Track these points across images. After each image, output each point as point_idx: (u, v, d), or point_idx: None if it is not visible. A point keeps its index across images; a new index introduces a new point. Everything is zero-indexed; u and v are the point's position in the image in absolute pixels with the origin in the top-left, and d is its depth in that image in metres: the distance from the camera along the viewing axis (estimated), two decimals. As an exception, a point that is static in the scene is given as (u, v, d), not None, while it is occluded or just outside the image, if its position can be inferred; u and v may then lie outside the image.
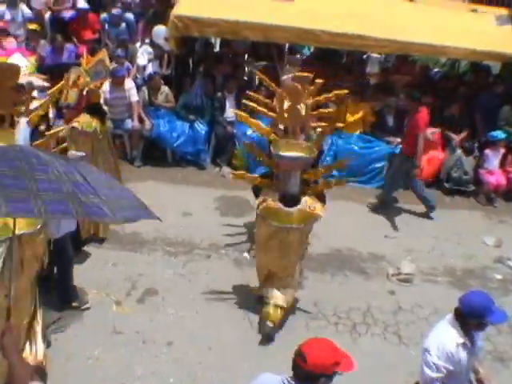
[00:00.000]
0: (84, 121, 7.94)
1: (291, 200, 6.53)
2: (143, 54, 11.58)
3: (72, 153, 6.77)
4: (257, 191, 7.09)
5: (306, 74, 6.63)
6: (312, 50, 12.82)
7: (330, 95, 6.77)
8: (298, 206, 6.52)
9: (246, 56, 12.11)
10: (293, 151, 6.43)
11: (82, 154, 6.87)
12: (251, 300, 7.34)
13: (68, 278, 6.86)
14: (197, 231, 8.69)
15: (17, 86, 5.56)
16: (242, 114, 7.14)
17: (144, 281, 7.56)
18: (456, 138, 10.64)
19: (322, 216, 6.59)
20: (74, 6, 12.26)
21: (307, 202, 6.55)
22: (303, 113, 6.56)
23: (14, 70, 5.49)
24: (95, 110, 8.32)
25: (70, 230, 6.66)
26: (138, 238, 8.41)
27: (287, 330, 6.88)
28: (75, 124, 7.88)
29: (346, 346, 6.52)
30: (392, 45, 10.15)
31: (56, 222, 6.19)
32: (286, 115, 6.59)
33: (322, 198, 6.83)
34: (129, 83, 10.42)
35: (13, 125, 5.64)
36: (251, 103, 6.91)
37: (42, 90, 8.43)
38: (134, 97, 10.44)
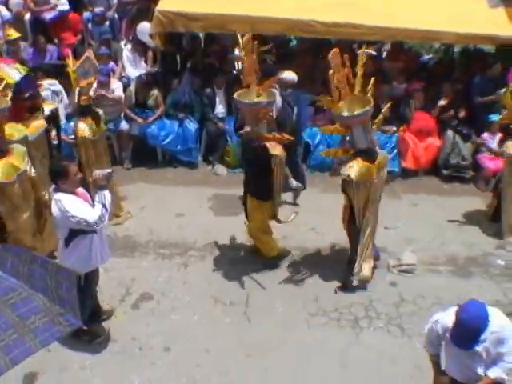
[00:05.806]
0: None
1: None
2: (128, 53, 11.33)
3: (97, 172, 5.78)
4: None
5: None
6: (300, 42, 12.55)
7: None
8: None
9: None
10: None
11: (109, 170, 5.96)
12: (249, 298, 7.21)
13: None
14: (191, 232, 8.51)
15: None
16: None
17: (138, 286, 7.40)
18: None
19: None
20: (54, 7, 11.99)
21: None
22: None
23: None
24: (88, 112, 8.13)
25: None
26: (129, 242, 8.25)
27: (287, 328, 6.72)
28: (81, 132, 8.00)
29: (348, 341, 6.48)
30: (383, 32, 9.89)
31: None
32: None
33: None
34: (115, 83, 10.19)
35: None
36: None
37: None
38: (119, 91, 10.27)
